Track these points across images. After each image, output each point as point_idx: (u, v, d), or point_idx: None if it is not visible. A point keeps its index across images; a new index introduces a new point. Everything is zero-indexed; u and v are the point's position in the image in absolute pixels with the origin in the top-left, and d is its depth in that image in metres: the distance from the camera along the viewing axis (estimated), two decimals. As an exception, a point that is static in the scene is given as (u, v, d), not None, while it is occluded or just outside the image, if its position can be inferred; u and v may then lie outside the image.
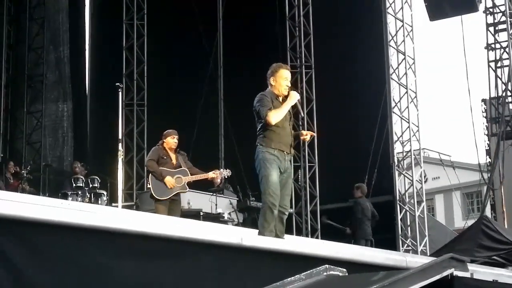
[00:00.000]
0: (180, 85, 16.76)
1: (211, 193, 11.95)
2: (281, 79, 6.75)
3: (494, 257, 9.58)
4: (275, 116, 6.55)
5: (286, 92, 6.74)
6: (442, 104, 72.23)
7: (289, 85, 6.82)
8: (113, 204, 11.50)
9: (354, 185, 12.69)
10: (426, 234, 12.87)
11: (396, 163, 13.14)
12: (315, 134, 7.11)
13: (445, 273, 4.03)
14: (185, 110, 16.38)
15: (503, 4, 13.75)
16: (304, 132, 6.98)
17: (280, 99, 6.76)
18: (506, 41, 13.63)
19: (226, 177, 10.22)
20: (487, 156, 15.90)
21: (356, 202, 12.40)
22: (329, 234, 12.72)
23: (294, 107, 6.84)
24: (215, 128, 17.07)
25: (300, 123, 13.97)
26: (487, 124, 15.75)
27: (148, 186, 9.71)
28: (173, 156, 9.64)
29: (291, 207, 9.94)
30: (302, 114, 7.02)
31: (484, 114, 15.99)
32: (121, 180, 9.95)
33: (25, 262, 4.11)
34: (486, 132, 15.90)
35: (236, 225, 11.91)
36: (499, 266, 8.93)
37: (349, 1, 15.76)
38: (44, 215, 4.25)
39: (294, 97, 6.74)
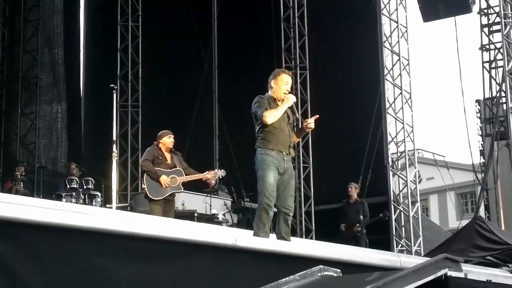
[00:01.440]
0: (175, 87, 16.75)
1: (206, 194, 11.95)
2: (282, 82, 6.88)
3: (488, 257, 9.59)
4: (271, 116, 6.66)
5: (284, 97, 6.84)
6: (437, 104, 72.41)
7: (289, 89, 6.92)
8: (107, 206, 11.50)
9: (354, 185, 12.72)
10: (420, 234, 12.88)
11: (390, 163, 13.15)
12: (317, 116, 7.12)
13: (439, 273, 4.05)
14: (180, 111, 16.37)
15: (498, 5, 13.77)
16: (305, 122, 6.92)
17: (279, 102, 6.85)
18: (500, 42, 13.64)
19: (220, 177, 10.21)
20: (481, 157, 15.94)
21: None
22: (323, 234, 12.74)
23: (292, 112, 6.92)
24: (209, 129, 17.07)
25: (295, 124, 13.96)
26: (481, 124, 15.78)
27: (143, 186, 9.70)
28: (168, 156, 9.65)
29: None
30: (297, 115, 7.06)
31: (478, 115, 16.03)
32: (115, 181, 9.96)
33: (19, 263, 4.10)
34: (480, 133, 15.94)
35: (230, 226, 11.90)
36: (493, 266, 8.95)
37: (344, 2, 15.76)
38: (38, 217, 4.24)
39: (291, 99, 6.84)
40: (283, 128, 6.79)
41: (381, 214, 12.45)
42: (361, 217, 12.44)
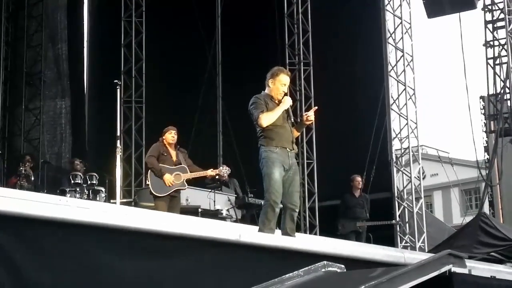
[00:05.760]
0: (178, 82, 16.74)
1: (210, 190, 11.95)
2: (279, 83, 6.86)
3: (492, 254, 9.61)
4: (267, 118, 6.67)
5: (281, 97, 6.85)
6: (441, 101, 72.36)
7: (286, 91, 6.91)
8: (111, 201, 11.50)
9: (360, 178, 12.72)
10: (424, 230, 12.87)
11: (394, 160, 13.14)
12: (316, 107, 7.17)
13: (443, 269, 4.03)
14: (184, 107, 16.36)
15: (502, 1, 13.74)
16: (305, 115, 6.97)
17: (276, 100, 6.86)
18: (505, 38, 13.63)
19: (225, 174, 10.23)
20: (485, 153, 15.93)
21: None
22: (327, 230, 12.74)
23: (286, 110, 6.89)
24: (213, 125, 17.05)
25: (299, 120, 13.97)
26: (485, 121, 15.77)
27: (147, 182, 9.72)
28: (173, 153, 9.67)
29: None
30: (292, 119, 7.03)
31: (483, 111, 16.02)
32: (119, 177, 9.97)
33: (24, 259, 4.11)
34: (484, 129, 15.93)
35: (234, 221, 11.90)
36: (497, 263, 8.96)
37: (348, -2, 15.75)
38: (42, 212, 4.25)
39: (287, 102, 6.84)
40: (285, 125, 6.81)
41: (393, 221, 12.47)
42: (367, 214, 12.42)
